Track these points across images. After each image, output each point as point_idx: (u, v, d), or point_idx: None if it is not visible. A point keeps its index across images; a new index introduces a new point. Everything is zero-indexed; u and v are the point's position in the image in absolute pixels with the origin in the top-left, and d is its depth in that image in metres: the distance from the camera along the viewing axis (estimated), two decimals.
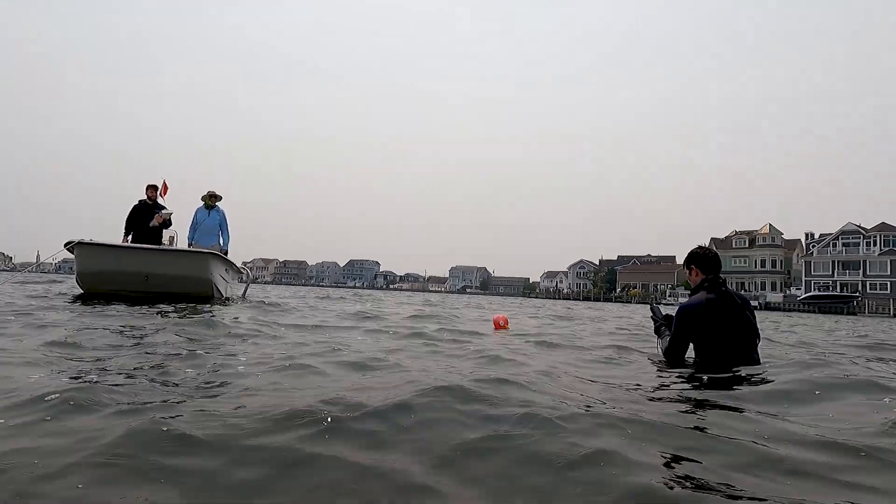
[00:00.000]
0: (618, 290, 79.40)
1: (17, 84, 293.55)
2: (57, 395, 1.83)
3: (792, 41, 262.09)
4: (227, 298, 9.19)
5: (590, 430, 1.70)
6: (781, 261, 66.24)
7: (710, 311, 3.19)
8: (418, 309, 10.18)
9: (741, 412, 2.05)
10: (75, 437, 1.49)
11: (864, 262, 58.10)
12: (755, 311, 3.42)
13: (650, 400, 2.30)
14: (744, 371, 2.92)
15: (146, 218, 9.08)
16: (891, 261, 56.36)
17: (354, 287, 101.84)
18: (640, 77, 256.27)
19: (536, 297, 75.96)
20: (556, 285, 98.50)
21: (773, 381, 2.66)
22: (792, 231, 71.76)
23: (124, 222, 9.12)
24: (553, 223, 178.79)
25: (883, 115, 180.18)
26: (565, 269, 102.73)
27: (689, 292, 3.49)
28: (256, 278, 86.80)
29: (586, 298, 72.25)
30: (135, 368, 2.53)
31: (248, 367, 2.72)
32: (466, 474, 1.39)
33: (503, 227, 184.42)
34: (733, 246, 68.82)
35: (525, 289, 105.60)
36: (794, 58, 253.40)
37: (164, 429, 1.51)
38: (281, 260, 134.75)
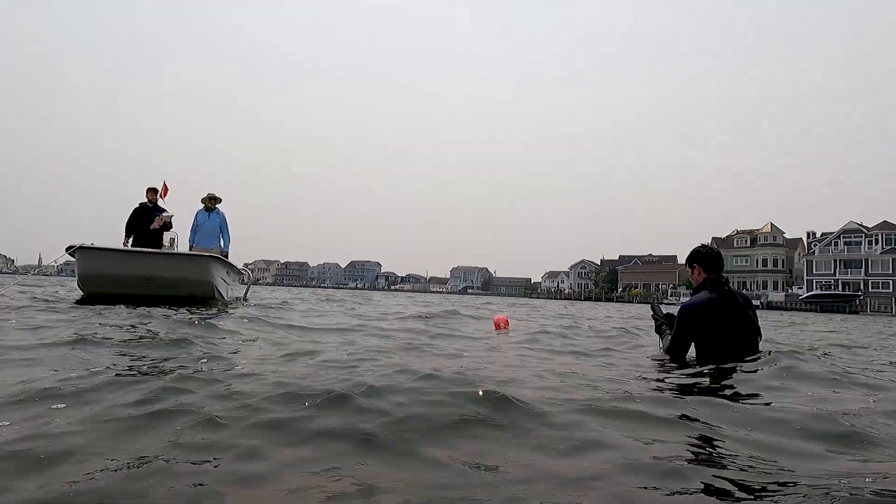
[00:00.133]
0: (619, 289, 79.34)
1: (17, 84, 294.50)
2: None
3: (792, 41, 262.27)
4: (229, 301, 9.20)
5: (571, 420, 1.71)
6: (783, 260, 66.14)
7: (712, 311, 3.19)
8: (419, 310, 10.17)
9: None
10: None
11: (866, 260, 58.00)
12: (757, 311, 3.42)
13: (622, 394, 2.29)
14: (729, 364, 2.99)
15: (147, 221, 9.09)
16: (893, 259, 56.25)
17: (356, 288, 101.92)
18: (640, 77, 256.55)
19: (538, 298, 75.93)
20: (558, 285, 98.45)
21: (753, 371, 2.73)
22: (793, 230, 71.54)
23: (125, 225, 9.13)
24: (554, 223, 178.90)
25: (883, 114, 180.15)
26: (567, 270, 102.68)
27: (690, 291, 3.49)
28: (258, 280, 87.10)
29: (588, 298, 72.19)
30: (161, 362, 2.54)
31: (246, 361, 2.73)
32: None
33: (504, 227, 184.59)
34: (735, 245, 68.73)
35: (527, 289, 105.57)
36: (794, 58, 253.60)
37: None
38: (282, 261, 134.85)
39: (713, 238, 70.95)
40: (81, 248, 7.72)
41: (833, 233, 61.89)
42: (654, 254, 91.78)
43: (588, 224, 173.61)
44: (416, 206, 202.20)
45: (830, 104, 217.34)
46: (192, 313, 5.87)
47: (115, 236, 8.92)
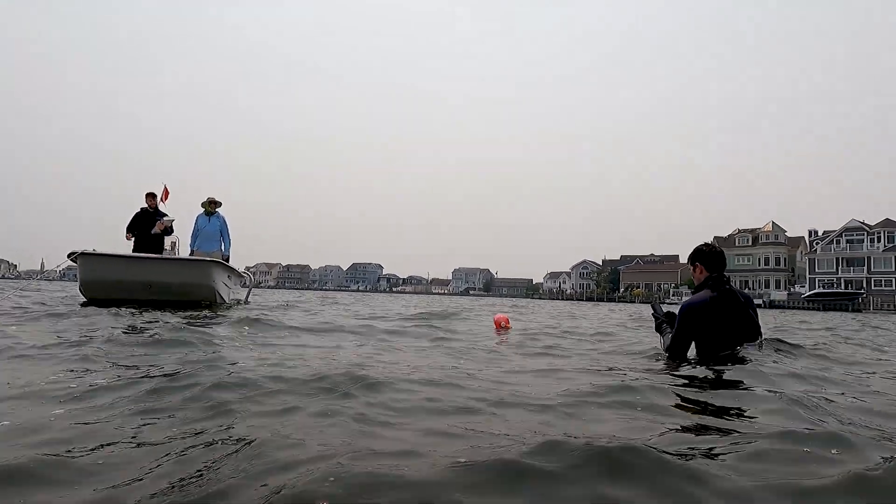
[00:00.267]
0: (621, 289, 79.28)
1: (17, 84, 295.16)
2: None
3: (792, 41, 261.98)
4: (230, 304, 9.22)
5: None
6: (785, 258, 66.03)
7: (713, 309, 3.19)
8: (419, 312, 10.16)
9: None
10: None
11: (869, 258, 57.88)
12: (758, 310, 3.42)
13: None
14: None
15: (148, 225, 9.10)
16: (895, 257, 56.14)
17: (358, 290, 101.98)
18: (640, 77, 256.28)
19: (540, 298, 75.88)
20: (560, 286, 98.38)
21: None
22: (795, 229, 71.49)
23: (125, 228, 9.12)
24: (555, 223, 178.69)
25: (883, 115, 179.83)
26: (568, 270, 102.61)
27: (692, 290, 3.49)
28: (260, 283, 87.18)
29: (590, 299, 72.14)
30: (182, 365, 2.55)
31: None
32: None
33: (505, 227, 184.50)
34: (736, 244, 68.64)
35: (528, 289, 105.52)
36: (794, 58, 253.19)
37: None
38: (284, 264, 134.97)
39: (715, 237, 70.85)
40: (83, 254, 7.74)
41: (835, 231, 61.79)
42: (655, 253, 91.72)
43: (589, 224, 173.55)
44: (417, 207, 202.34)
45: (830, 104, 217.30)
46: (193, 317, 5.88)
47: (115, 237, 8.94)
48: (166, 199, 9.54)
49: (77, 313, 5.93)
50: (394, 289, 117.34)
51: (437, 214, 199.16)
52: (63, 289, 15.86)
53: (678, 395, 2.29)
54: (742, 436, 1.65)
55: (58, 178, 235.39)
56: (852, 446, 1.50)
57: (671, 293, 64.71)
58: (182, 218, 9.68)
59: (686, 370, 2.89)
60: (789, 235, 68.44)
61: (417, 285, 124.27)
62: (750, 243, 67.97)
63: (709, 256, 3.36)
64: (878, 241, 58.12)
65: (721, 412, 2.00)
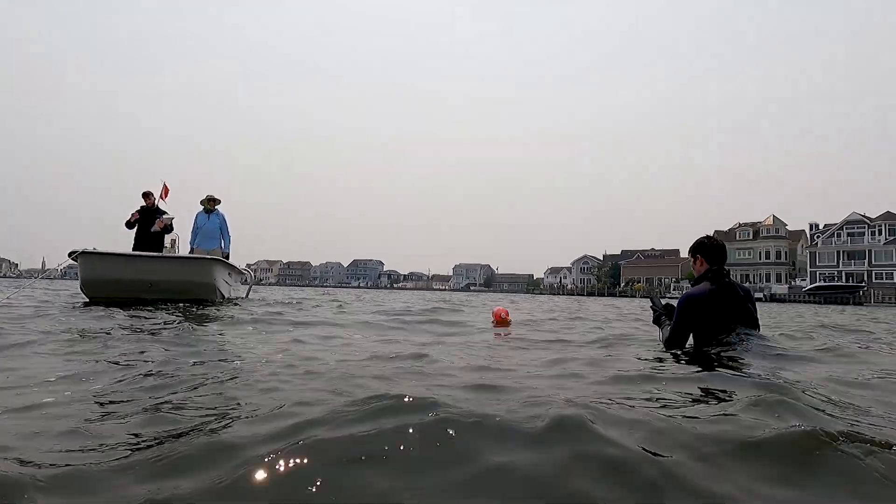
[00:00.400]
0: (622, 284, 79.27)
1: (17, 84, 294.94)
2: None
3: (792, 41, 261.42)
4: (231, 301, 9.23)
5: None
6: (786, 252, 65.98)
7: (711, 302, 3.19)
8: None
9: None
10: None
11: (870, 251, 57.82)
12: (757, 303, 3.43)
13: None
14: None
15: (147, 223, 9.10)
16: None
17: (359, 287, 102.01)
18: (640, 77, 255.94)
19: (541, 294, 75.91)
20: (560, 281, 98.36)
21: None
22: (796, 223, 71.29)
23: (125, 223, 9.11)
24: (555, 220, 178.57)
25: (883, 115, 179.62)
26: (569, 265, 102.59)
27: (692, 283, 3.49)
28: (261, 280, 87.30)
29: (590, 294, 72.16)
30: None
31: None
32: None
33: (505, 224, 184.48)
34: (737, 238, 68.56)
35: (529, 285, 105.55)
36: (794, 58, 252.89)
37: None
38: (285, 261, 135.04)
39: (716, 231, 70.76)
40: (84, 252, 7.75)
41: (836, 224, 61.70)
42: (656, 248, 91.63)
43: (590, 220, 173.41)
44: (417, 205, 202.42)
45: (830, 104, 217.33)
46: (197, 314, 5.89)
47: (115, 237, 8.96)
48: (166, 196, 9.53)
49: (79, 311, 5.94)
50: (394, 285, 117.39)
51: (437, 213, 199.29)
52: (66, 288, 15.87)
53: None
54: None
55: (58, 177, 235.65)
56: None
57: (672, 287, 64.68)
58: (182, 217, 9.70)
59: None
60: (790, 229, 68.35)
61: (418, 281, 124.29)
62: (751, 237, 67.90)
63: (710, 249, 3.36)
64: (880, 234, 58.03)
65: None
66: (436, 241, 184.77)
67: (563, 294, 73.60)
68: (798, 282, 61.27)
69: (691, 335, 3.29)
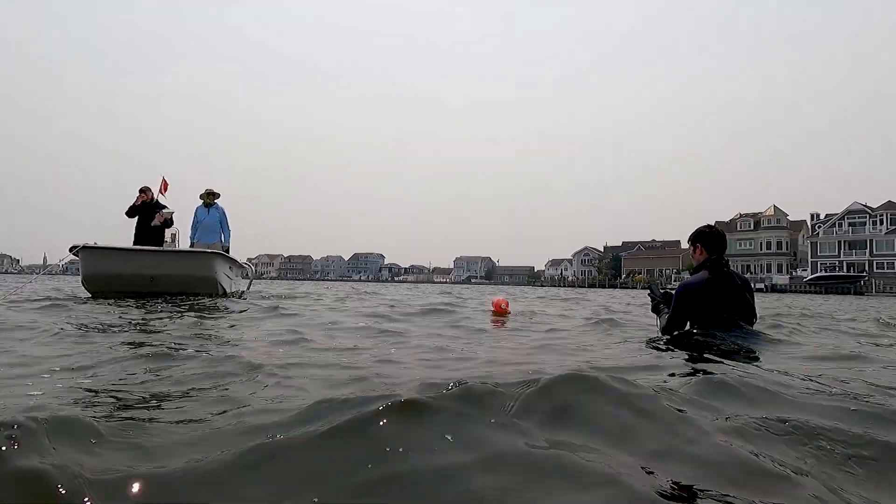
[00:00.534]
0: (623, 276, 79.31)
1: (17, 84, 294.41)
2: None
3: (792, 41, 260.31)
4: (232, 295, 9.25)
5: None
6: (787, 242, 65.93)
7: (709, 291, 3.20)
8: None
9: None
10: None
11: (871, 241, 57.77)
12: (755, 293, 3.44)
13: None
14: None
15: (147, 217, 9.10)
16: None
17: (360, 280, 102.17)
18: (640, 77, 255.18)
19: (542, 286, 75.96)
20: (561, 273, 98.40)
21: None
22: (797, 213, 71.31)
23: (127, 209, 9.10)
24: (556, 212, 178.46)
25: (883, 105, 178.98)
26: (570, 257, 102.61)
27: (690, 272, 3.50)
28: (262, 274, 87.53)
29: (591, 285, 72.21)
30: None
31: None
32: None
33: (506, 216, 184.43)
34: (738, 228, 68.50)
35: (530, 277, 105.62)
36: (794, 58, 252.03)
37: None
38: (286, 255, 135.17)
39: (717, 221, 70.71)
40: (85, 247, 7.76)
41: (837, 214, 61.59)
42: (657, 239, 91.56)
43: (590, 212, 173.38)
44: (418, 199, 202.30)
45: (830, 104, 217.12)
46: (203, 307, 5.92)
47: (115, 236, 8.94)
48: (165, 191, 9.52)
49: (83, 305, 5.96)
50: (395, 278, 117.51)
51: (438, 206, 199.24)
52: (68, 282, 15.91)
53: None
54: None
55: (58, 177, 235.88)
56: None
57: (673, 278, 64.71)
58: (181, 211, 9.71)
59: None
60: (791, 219, 68.26)
61: (419, 274, 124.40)
62: (752, 227, 67.83)
63: (710, 238, 3.35)
64: (881, 223, 57.96)
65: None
66: (437, 233, 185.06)
67: (565, 286, 73.62)
68: (799, 272, 61.27)
69: (689, 323, 3.31)
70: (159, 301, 6.78)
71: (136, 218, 9.15)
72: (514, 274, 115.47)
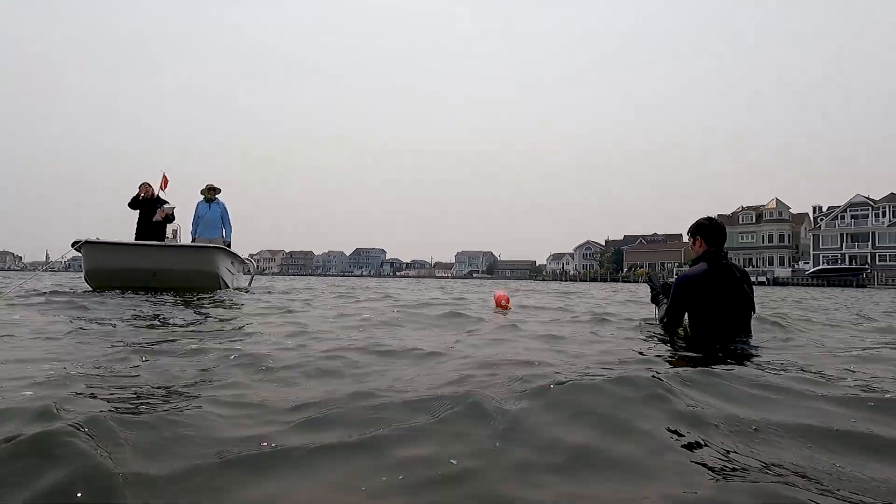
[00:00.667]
0: (624, 269, 79.25)
1: (17, 84, 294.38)
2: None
3: (792, 41, 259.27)
4: (234, 290, 9.28)
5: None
6: (789, 235, 65.76)
7: (707, 283, 3.21)
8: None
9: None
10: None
11: (873, 233, 57.59)
12: (758, 286, 3.45)
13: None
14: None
15: (149, 213, 9.12)
16: None
17: (362, 275, 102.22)
18: (640, 77, 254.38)
19: (543, 280, 75.96)
20: (563, 267, 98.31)
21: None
22: (799, 205, 71.21)
23: (130, 200, 9.11)
24: (557, 208, 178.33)
25: (887, 98, 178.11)
26: (571, 251, 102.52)
27: (690, 264, 3.51)
28: (264, 270, 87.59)
29: (593, 279, 72.19)
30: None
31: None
32: None
33: (508, 212, 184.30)
34: (740, 221, 68.33)
35: (532, 272, 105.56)
36: (795, 58, 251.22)
37: None
38: (287, 251, 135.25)
39: (719, 215, 70.42)
40: (87, 242, 7.79)
41: (839, 206, 61.39)
42: (658, 233, 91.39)
43: (592, 206, 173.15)
44: (419, 195, 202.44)
45: (830, 104, 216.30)
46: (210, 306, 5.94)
47: (117, 233, 8.95)
48: (165, 187, 9.53)
49: (87, 299, 5.99)
50: (397, 273, 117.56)
51: (439, 201, 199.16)
52: (71, 279, 15.95)
53: None
54: None
55: (58, 178, 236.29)
56: None
57: (674, 272, 64.67)
58: (183, 208, 9.72)
59: None
60: (793, 212, 68.06)
61: (421, 269, 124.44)
62: (754, 221, 67.66)
63: (709, 230, 3.36)
64: (883, 215, 57.76)
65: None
66: (439, 228, 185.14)
67: (566, 280, 73.61)
68: (801, 265, 61.14)
69: (687, 314, 3.32)
70: (164, 294, 6.81)
71: (138, 213, 9.17)
72: (515, 268, 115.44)
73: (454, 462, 1.23)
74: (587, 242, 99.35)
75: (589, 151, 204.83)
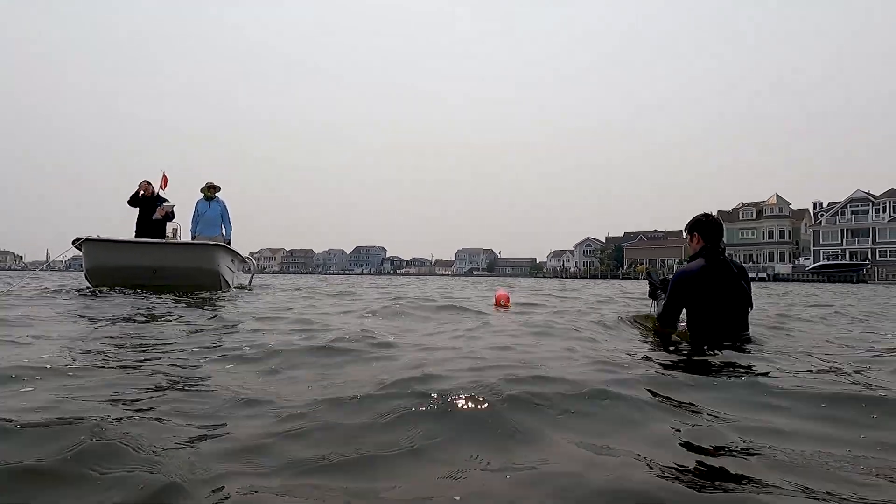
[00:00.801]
0: (625, 266, 79.22)
1: (17, 84, 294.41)
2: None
3: (792, 41, 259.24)
4: (235, 288, 9.29)
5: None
6: (789, 231, 65.71)
7: (704, 279, 3.22)
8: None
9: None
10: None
11: (874, 229, 57.54)
12: (758, 282, 3.46)
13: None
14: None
15: (148, 211, 9.13)
16: None
17: (362, 273, 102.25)
18: (640, 77, 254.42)
19: (544, 277, 75.96)
20: (563, 264, 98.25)
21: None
22: (799, 201, 70.97)
23: (130, 197, 9.12)
24: (557, 205, 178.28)
25: (887, 94, 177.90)
26: (572, 248, 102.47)
27: (687, 260, 3.52)
28: (264, 268, 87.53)
29: (594, 276, 72.15)
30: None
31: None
32: None
33: (508, 210, 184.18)
34: (741, 218, 68.27)
35: (532, 269, 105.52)
36: (795, 58, 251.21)
37: None
38: (287, 249, 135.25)
39: (719, 211, 70.41)
40: (88, 240, 7.79)
41: (840, 202, 61.32)
42: (658, 229, 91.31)
43: (592, 203, 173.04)
44: (420, 193, 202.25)
45: (830, 104, 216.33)
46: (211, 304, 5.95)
47: (117, 232, 8.95)
48: (165, 186, 9.53)
49: (89, 296, 6.00)
50: (397, 271, 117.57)
51: (439, 199, 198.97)
52: (74, 278, 15.96)
53: None
54: None
55: (59, 176, 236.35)
56: None
57: (675, 268, 64.52)
58: (182, 205, 9.72)
59: None
60: (794, 208, 67.99)
61: (421, 267, 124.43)
62: (754, 217, 67.60)
63: (706, 226, 3.37)
64: (884, 211, 57.71)
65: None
66: (439, 225, 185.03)
67: (566, 277, 73.60)
68: (802, 261, 61.11)
69: (685, 310, 3.34)
70: (164, 295, 6.82)
71: (138, 211, 9.18)
72: (516, 266, 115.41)
73: None
74: (587, 239, 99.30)
75: (589, 151, 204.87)
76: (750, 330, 3.32)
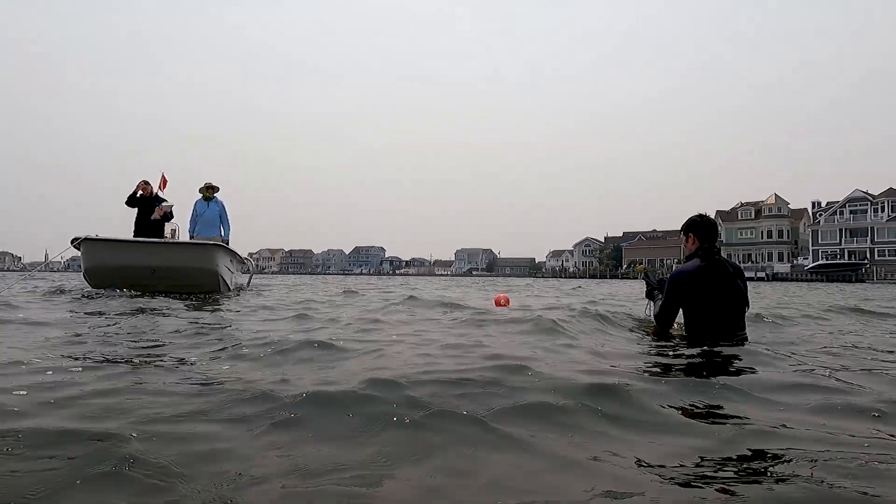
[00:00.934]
0: (624, 266, 79.28)
1: (17, 84, 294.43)
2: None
3: (792, 41, 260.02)
4: (234, 288, 9.28)
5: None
6: (788, 231, 65.80)
7: (701, 279, 3.24)
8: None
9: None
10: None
11: (872, 228, 57.63)
12: (757, 281, 3.48)
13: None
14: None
15: (147, 211, 9.12)
16: None
17: (361, 273, 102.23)
18: (641, 77, 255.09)
19: (543, 277, 75.99)
20: (562, 264, 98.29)
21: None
22: (798, 201, 71.05)
23: (127, 198, 9.12)
24: (557, 203, 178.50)
25: (882, 114, 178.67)
26: (571, 248, 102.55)
27: (683, 260, 3.54)
28: (263, 269, 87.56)
29: (592, 276, 72.18)
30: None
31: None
32: None
33: (507, 210, 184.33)
34: (739, 217, 68.34)
35: (531, 269, 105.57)
36: (794, 58, 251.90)
37: None
38: (287, 250, 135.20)
39: (717, 211, 70.51)
40: (87, 239, 7.78)
41: (838, 202, 61.40)
42: (657, 229, 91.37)
43: (591, 203, 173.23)
44: (419, 192, 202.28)
45: (830, 103, 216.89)
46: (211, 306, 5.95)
47: (116, 233, 8.94)
48: (164, 187, 9.51)
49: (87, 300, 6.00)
50: (397, 271, 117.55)
51: (439, 198, 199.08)
52: (72, 278, 15.95)
53: None
54: None
55: (59, 176, 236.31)
56: None
57: (673, 269, 64.51)
58: (181, 205, 9.71)
59: None
60: (792, 207, 68.08)
61: (420, 267, 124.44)
62: (753, 216, 67.67)
63: (701, 226, 3.39)
64: (882, 210, 57.79)
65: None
66: (438, 225, 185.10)
67: (566, 277, 73.64)
68: (800, 260, 61.20)
69: (681, 310, 3.35)
70: (164, 297, 6.82)
71: (136, 211, 9.18)
72: (515, 266, 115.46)
73: None
74: (586, 239, 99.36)
75: (589, 151, 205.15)
76: (746, 329, 3.34)
